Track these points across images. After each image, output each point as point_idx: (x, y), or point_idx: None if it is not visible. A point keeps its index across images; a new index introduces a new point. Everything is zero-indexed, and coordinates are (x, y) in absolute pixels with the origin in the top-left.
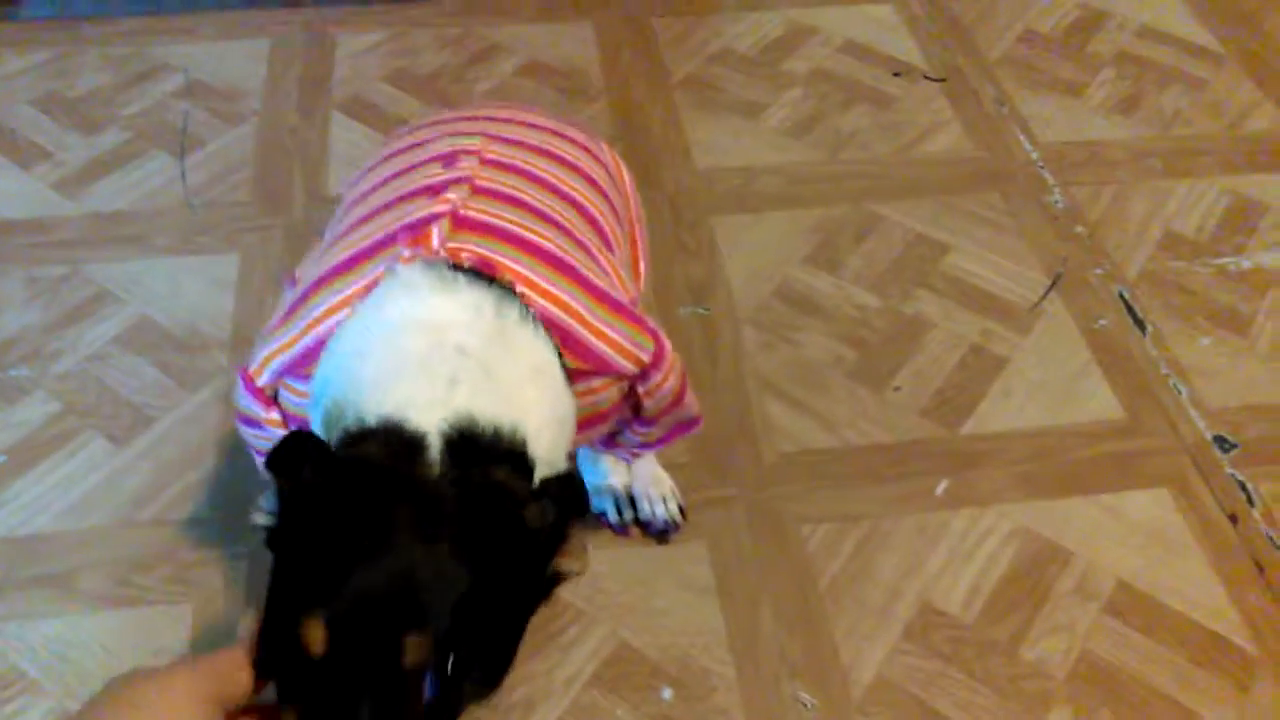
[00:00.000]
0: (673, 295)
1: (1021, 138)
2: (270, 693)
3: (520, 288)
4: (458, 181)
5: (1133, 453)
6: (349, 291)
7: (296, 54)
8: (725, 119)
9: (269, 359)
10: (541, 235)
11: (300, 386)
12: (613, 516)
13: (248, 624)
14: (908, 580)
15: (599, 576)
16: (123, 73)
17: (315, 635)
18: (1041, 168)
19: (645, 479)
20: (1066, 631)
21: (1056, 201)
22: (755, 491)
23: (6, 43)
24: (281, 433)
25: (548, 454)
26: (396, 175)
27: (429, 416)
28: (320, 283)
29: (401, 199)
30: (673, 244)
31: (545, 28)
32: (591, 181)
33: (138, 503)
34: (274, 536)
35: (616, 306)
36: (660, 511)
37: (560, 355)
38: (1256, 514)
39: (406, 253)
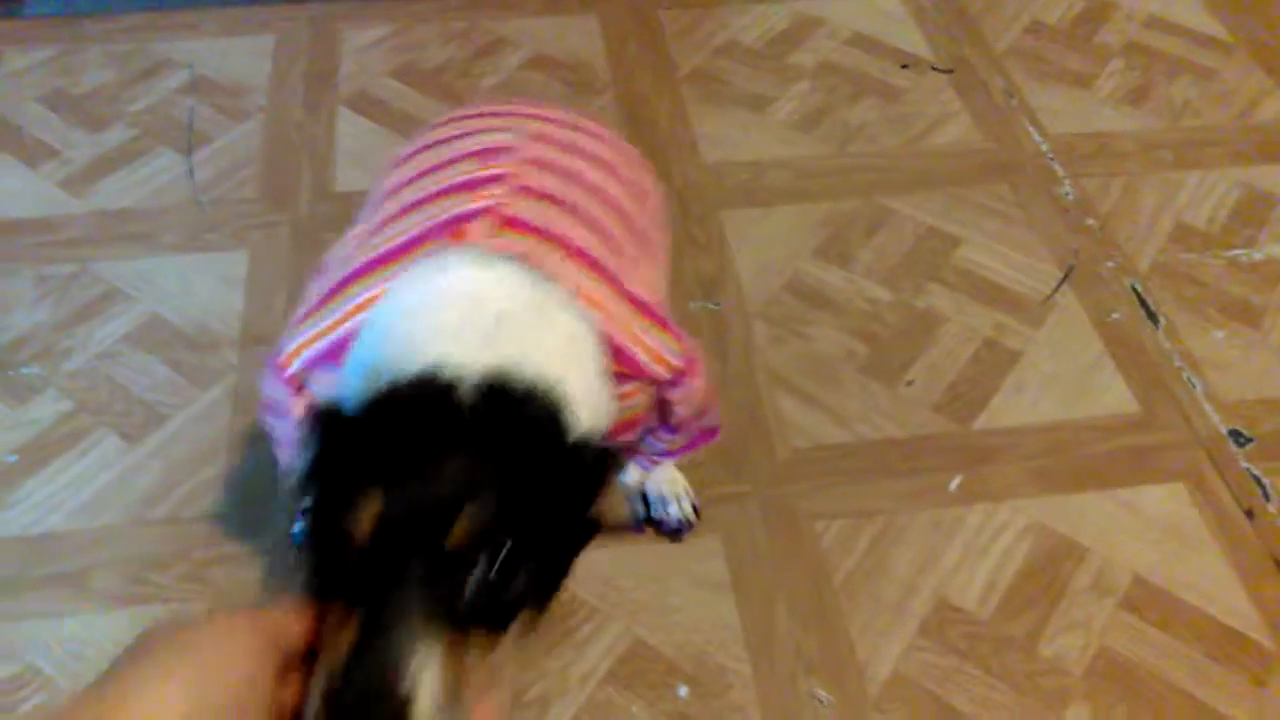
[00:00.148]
0: (682, 290)
1: (1031, 129)
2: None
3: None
4: (497, 179)
5: (1147, 447)
6: (385, 286)
7: (301, 49)
8: (732, 112)
9: (301, 348)
10: (582, 237)
11: (331, 375)
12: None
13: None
14: (923, 576)
15: (613, 574)
16: (127, 69)
17: (367, 514)
18: (1051, 159)
19: (659, 478)
20: (1083, 627)
21: (1067, 193)
22: (769, 487)
23: (10, 40)
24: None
25: (588, 426)
26: (434, 169)
27: (468, 368)
28: (356, 275)
29: (440, 194)
30: (682, 238)
31: (551, 21)
32: (625, 181)
33: (150, 501)
34: (314, 468)
35: (652, 313)
36: (674, 511)
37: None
38: (1272, 509)
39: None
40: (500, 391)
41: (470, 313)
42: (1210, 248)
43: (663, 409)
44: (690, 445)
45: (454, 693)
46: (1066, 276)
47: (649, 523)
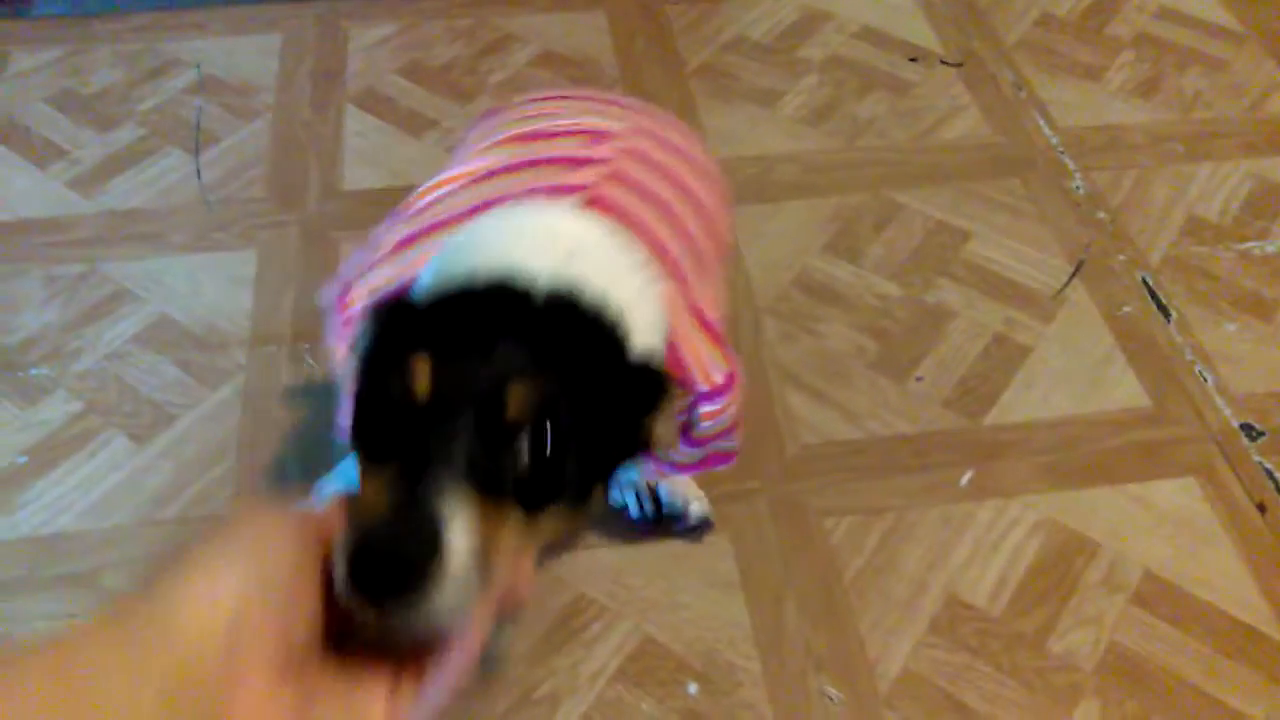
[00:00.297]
0: None
1: (1041, 122)
2: None
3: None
4: (599, 161)
5: (1159, 441)
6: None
7: (309, 48)
8: (741, 107)
9: (375, 288)
10: (667, 236)
11: None
12: (634, 510)
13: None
14: (933, 573)
15: (622, 572)
16: (135, 69)
17: (420, 374)
18: (1062, 153)
19: (677, 478)
20: (1094, 623)
21: (1077, 187)
22: (778, 484)
23: (18, 41)
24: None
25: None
26: (536, 137)
27: (539, 275)
28: (439, 225)
29: (537, 163)
30: None
31: (558, 17)
32: (713, 190)
33: (160, 501)
34: (375, 344)
35: (708, 325)
36: (696, 509)
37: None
38: None
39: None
40: (569, 299)
41: (549, 243)
42: (1222, 240)
43: (687, 420)
44: (703, 464)
45: (485, 558)
46: (1077, 270)
47: (659, 521)
